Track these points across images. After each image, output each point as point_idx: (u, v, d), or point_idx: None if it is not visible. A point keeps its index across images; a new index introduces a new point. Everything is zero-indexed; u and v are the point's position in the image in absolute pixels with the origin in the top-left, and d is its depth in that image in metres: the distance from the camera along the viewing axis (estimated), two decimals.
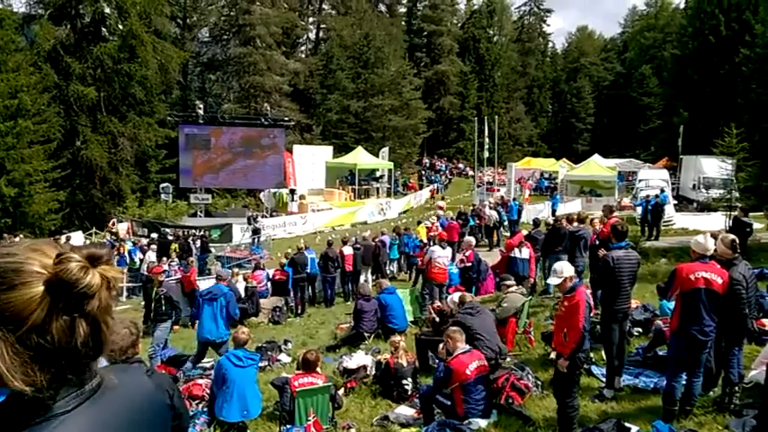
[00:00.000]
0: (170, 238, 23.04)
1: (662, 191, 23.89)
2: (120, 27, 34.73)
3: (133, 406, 1.13)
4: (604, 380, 6.89)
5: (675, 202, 28.64)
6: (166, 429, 1.21)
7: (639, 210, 22.24)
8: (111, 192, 34.49)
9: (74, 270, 1.01)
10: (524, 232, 14.29)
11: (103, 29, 35.71)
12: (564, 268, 5.63)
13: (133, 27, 32.46)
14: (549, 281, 5.43)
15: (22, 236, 19.07)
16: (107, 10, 34.89)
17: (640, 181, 30.07)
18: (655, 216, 19.94)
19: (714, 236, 6.00)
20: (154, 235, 23.11)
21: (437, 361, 7.15)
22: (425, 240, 18.69)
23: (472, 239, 13.47)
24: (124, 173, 34.69)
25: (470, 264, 11.71)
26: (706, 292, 5.45)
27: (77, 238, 25.23)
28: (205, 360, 9.71)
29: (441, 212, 21.50)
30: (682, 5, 62.13)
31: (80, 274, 1.02)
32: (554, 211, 27.48)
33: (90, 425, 1.02)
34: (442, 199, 36.90)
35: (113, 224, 27.57)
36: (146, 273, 16.41)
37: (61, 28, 33.46)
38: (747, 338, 6.45)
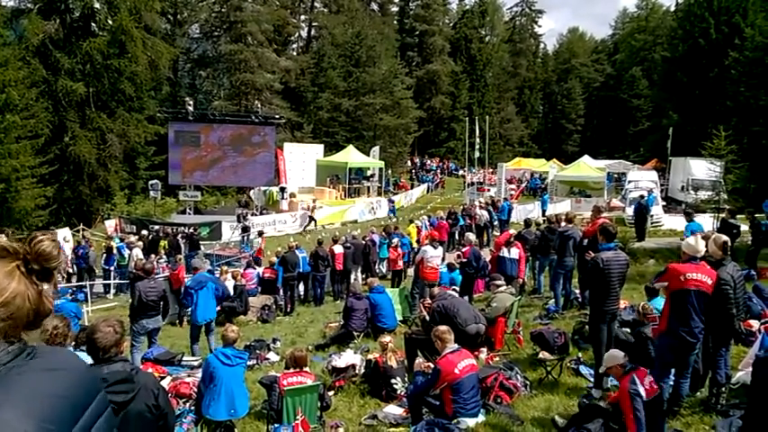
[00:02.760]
0: (168, 232, 23.08)
1: (650, 192, 24.02)
2: (110, 22, 34.41)
3: (66, 372, 1.23)
4: (593, 380, 6.92)
5: (664, 203, 28.81)
6: (91, 402, 1.26)
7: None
8: (100, 188, 34.17)
9: (49, 247, 1.25)
10: (512, 231, 14.32)
11: (93, 24, 35.36)
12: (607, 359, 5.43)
13: (123, 22, 32.16)
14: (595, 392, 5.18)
15: (10, 232, 18.76)
16: (97, 5, 34.56)
17: (629, 182, 30.24)
18: (639, 218, 20.04)
19: (705, 237, 6.04)
20: (143, 232, 22.96)
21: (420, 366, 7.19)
22: (415, 240, 18.79)
23: (472, 236, 13.49)
24: (113, 169, 34.36)
25: (466, 260, 11.70)
26: (696, 294, 5.48)
27: (64, 234, 25.00)
28: (192, 358, 9.67)
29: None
30: (672, 8, 62.61)
31: (54, 251, 1.25)
32: (543, 212, 27.62)
33: (31, 378, 1.14)
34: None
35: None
36: (133, 270, 16.27)
37: (50, 22, 33.08)
38: (735, 339, 6.49)
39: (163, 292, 9.79)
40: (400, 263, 16.62)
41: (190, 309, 10.61)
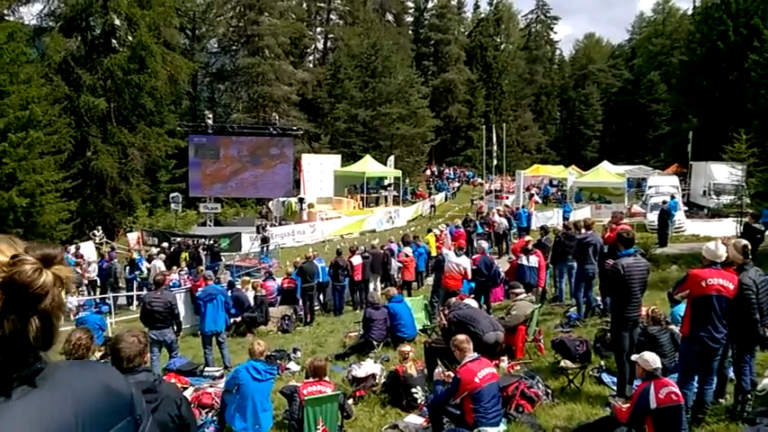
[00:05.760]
0: (187, 243, 23.34)
1: (672, 197, 23.74)
2: (130, 38, 35.04)
3: (86, 391, 1.15)
4: (615, 388, 6.84)
5: (686, 208, 28.47)
6: (122, 424, 1.21)
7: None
8: (122, 202, 34.68)
9: (28, 272, 1.07)
10: (528, 238, 14.23)
11: (113, 40, 36.04)
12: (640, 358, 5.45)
13: (143, 38, 32.73)
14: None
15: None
16: (117, 22, 35.22)
17: (650, 188, 29.93)
18: (662, 223, 19.80)
19: (725, 243, 5.97)
20: (164, 244, 23.24)
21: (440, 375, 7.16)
22: (436, 249, 18.72)
23: (484, 244, 13.39)
24: (134, 183, 34.87)
25: (476, 267, 11.61)
26: (717, 299, 5.42)
27: (88, 247, 25.40)
28: (214, 369, 9.76)
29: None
30: (689, 12, 62.11)
31: (34, 276, 1.07)
32: (566, 219, 27.37)
33: (33, 408, 1.06)
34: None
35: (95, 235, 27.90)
36: (153, 281, 16.45)
37: (72, 40, 33.81)
38: (759, 345, 6.38)
39: (169, 305, 9.57)
40: (410, 272, 16.45)
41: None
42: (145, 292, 18.49)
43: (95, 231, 28.50)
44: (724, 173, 28.03)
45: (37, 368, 1.10)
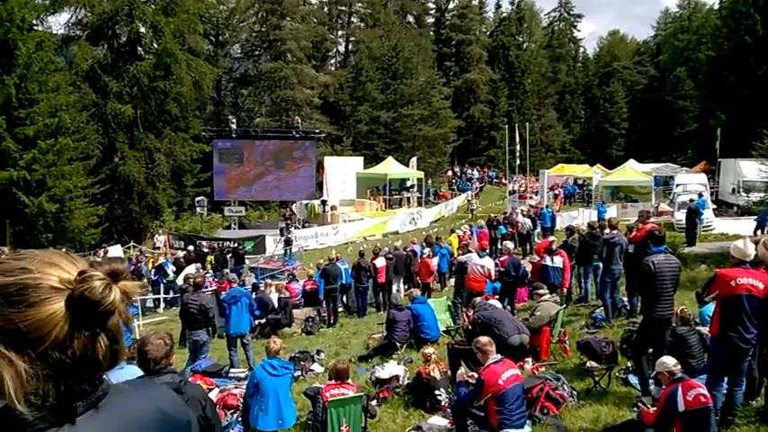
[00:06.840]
0: (205, 249, 23.49)
1: (700, 195, 23.31)
2: (155, 46, 35.64)
3: (144, 417, 1.12)
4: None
5: (714, 206, 27.92)
6: None
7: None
8: (149, 206, 35.25)
9: (99, 288, 1.01)
10: (552, 238, 14.10)
11: (139, 48, 36.68)
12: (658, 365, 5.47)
13: (168, 45, 33.23)
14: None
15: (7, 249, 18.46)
16: (142, 30, 35.83)
17: (678, 186, 29.43)
18: (689, 222, 19.43)
19: (755, 241, 5.84)
20: (190, 247, 23.53)
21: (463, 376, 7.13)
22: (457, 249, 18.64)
23: (510, 245, 13.30)
24: (161, 187, 35.41)
25: (504, 269, 11.54)
26: (747, 299, 5.31)
27: (116, 251, 25.84)
28: (239, 370, 9.86)
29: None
30: (716, 6, 60.88)
31: (105, 293, 1.02)
32: (602, 219, 26.92)
33: (95, 429, 1.02)
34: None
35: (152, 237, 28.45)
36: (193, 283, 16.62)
37: (98, 48, 34.52)
38: None
39: (203, 308, 9.76)
40: (426, 273, 16.39)
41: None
42: (171, 294, 18.83)
43: (156, 235, 29.07)
44: (753, 170, 27.43)
45: (100, 394, 1.07)
